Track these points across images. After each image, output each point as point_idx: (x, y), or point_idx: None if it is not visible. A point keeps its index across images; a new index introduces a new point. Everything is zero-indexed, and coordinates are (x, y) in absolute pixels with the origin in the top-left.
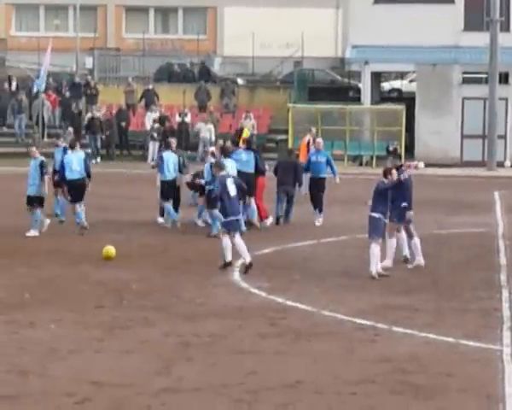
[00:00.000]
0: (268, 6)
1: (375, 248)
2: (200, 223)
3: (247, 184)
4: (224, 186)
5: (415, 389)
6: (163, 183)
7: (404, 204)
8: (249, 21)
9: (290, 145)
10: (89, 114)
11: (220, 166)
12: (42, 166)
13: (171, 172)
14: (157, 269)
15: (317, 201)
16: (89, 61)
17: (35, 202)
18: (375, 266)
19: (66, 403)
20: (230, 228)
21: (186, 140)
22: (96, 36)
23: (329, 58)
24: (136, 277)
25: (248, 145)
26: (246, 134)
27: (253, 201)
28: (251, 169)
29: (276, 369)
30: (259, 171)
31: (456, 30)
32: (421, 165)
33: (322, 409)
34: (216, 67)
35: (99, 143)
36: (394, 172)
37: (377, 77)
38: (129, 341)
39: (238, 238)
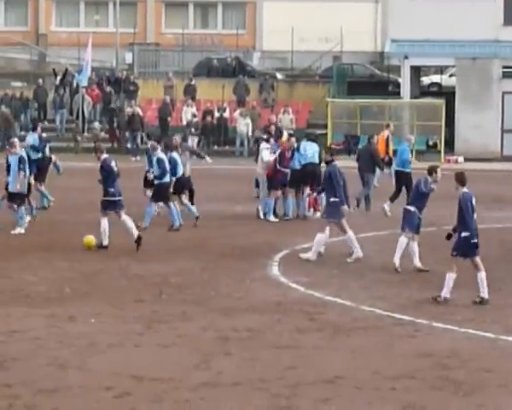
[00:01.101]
0: (307, 0)
1: (404, 241)
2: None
3: (315, 175)
4: None
5: (455, 384)
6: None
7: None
8: (288, 16)
9: (329, 140)
10: (128, 110)
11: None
12: (20, 161)
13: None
14: (195, 263)
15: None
16: (128, 57)
17: (17, 198)
18: (399, 259)
19: (105, 397)
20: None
21: (225, 135)
22: (135, 31)
23: (369, 52)
24: (175, 271)
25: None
26: (284, 139)
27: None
28: (317, 160)
29: (315, 364)
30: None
31: (496, 24)
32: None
33: (362, 405)
34: (255, 62)
35: (139, 140)
36: (439, 170)
37: (417, 71)
38: (168, 335)
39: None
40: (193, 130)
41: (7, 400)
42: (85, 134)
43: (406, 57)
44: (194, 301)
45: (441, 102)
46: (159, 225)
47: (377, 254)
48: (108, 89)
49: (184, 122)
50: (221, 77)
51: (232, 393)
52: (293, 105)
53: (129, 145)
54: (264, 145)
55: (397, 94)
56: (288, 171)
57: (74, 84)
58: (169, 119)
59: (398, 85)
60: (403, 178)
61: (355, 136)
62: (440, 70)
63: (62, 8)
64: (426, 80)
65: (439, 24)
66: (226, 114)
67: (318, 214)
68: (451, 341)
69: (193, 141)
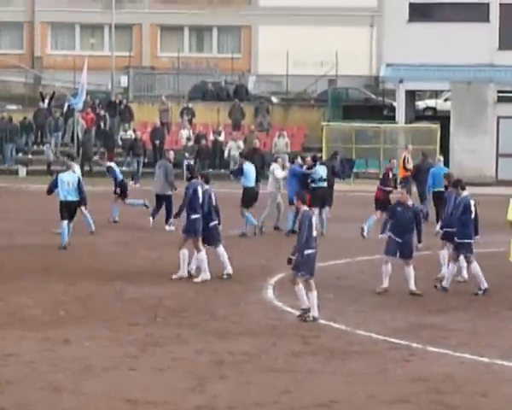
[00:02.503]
0: (302, 24)
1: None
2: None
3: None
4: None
5: (449, 409)
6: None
7: None
8: (283, 39)
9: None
10: (129, 134)
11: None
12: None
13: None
14: (190, 286)
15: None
16: (124, 80)
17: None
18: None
19: None
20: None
21: (220, 158)
22: (131, 55)
23: (364, 76)
24: (170, 294)
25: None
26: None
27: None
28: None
29: (310, 388)
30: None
31: (491, 48)
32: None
33: None
34: (250, 86)
35: (141, 166)
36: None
37: (412, 95)
38: (163, 358)
39: None
40: (187, 154)
41: None
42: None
43: (401, 81)
44: (189, 325)
45: (436, 126)
46: (153, 249)
47: (372, 277)
48: (103, 112)
49: (181, 145)
50: (216, 100)
51: None
52: (289, 129)
53: (127, 168)
54: (274, 165)
55: (392, 118)
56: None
57: (66, 108)
58: (157, 142)
59: (393, 109)
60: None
61: (350, 159)
62: (435, 94)
63: (58, 32)
64: (421, 104)
65: (434, 48)
66: (221, 138)
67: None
68: (446, 365)
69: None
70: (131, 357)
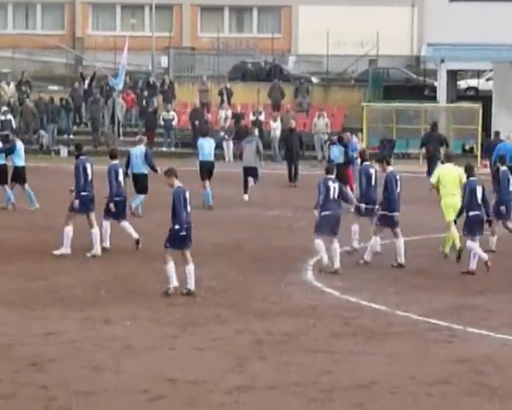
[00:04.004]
0: (342, 4)
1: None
2: None
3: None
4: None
5: (490, 390)
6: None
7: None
8: (324, 20)
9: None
10: (171, 115)
11: None
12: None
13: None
14: (230, 267)
15: None
16: (164, 61)
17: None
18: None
19: (140, 400)
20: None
21: (260, 138)
22: (171, 35)
23: (405, 56)
24: (210, 274)
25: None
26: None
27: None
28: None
29: (350, 369)
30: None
31: None
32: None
33: None
34: (290, 66)
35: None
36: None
37: (453, 75)
38: (202, 338)
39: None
40: (226, 136)
41: (43, 401)
42: (121, 138)
43: (443, 61)
44: (229, 305)
45: (478, 106)
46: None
47: (412, 259)
48: (144, 93)
49: (220, 125)
50: (256, 81)
51: (267, 397)
52: (328, 109)
53: (167, 149)
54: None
55: (433, 98)
56: None
57: (107, 88)
58: (197, 122)
59: (434, 89)
60: None
61: (390, 140)
62: (477, 74)
63: (99, 12)
64: (462, 84)
65: (476, 27)
66: (262, 118)
67: None
68: (487, 346)
69: (228, 146)
70: (171, 337)
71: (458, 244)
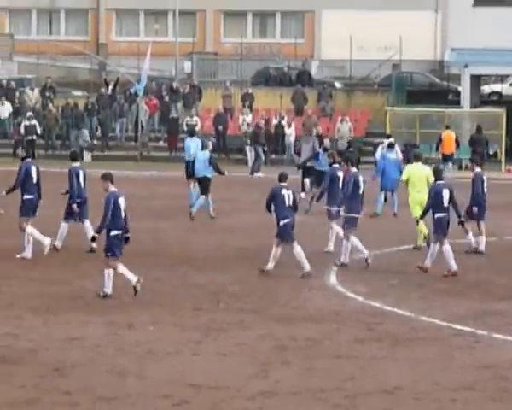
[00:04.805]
0: (366, 9)
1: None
2: None
3: None
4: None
5: None
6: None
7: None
8: (347, 24)
9: None
10: (194, 120)
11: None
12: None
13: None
14: (253, 272)
15: None
16: (187, 66)
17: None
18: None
19: (163, 405)
20: None
21: (283, 143)
22: (194, 40)
23: (428, 61)
24: (233, 279)
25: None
26: None
27: None
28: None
29: (374, 374)
30: None
31: None
32: None
33: None
34: (313, 71)
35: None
36: None
37: (477, 80)
38: (226, 343)
39: None
40: (249, 141)
41: (66, 407)
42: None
43: (466, 66)
44: (252, 310)
45: (502, 111)
46: (216, 234)
47: (436, 264)
48: (167, 98)
49: (243, 130)
50: (279, 86)
51: (291, 402)
52: (352, 114)
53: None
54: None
55: (457, 103)
56: None
57: (132, 91)
58: (220, 128)
59: (457, 94)
60: None
61: (414, 145)
62: (501, 79)
63: (122, 18)
64: (486, 89)
65: (499, 32)
66: (284, 123)
67: None
68: None
69: (251, 151)
70: (195, 342)
71: (426, 231)
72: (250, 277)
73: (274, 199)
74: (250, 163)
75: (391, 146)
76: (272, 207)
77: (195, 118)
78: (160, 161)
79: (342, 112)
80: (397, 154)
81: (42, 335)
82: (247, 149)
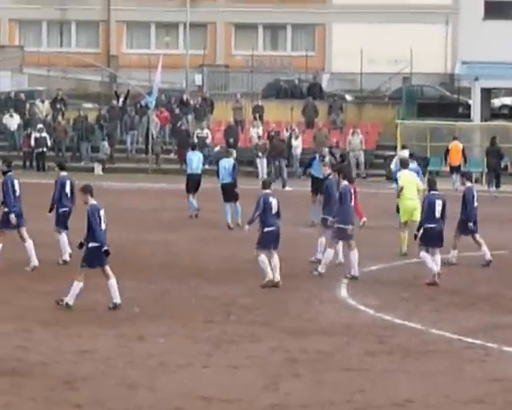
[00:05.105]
0: (376, 22)
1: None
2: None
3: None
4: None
5: None
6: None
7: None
8: (357, 37)
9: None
10: (205, 132)
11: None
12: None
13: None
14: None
15: None
16: (198, 78)
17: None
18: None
19: None
20: None
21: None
22: (205, 53)
23: (438, 74)
24: (244, 292)
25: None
26: None
27: None
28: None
29: (385, 387)
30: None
31: None
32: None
33: None
34: (324, 84)
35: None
36: None
37: (487, 93)
38: (237, 356)
39: None
40: (260, 153)
41: None
42: (149, 155)
43: (477, 79)
44: (263, 322)
45: None
46: (227, 246)
47: (447, 277)
48: (177, 111)
49: (254, 143)
50: (290, 98)
51: None
52: (362, 126)
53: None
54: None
55: (467, 116)
56: None
57: (143, 104)
58: (231, 140)
59: (468, 107)
60: None
61: (425, 158)
62: (511, 92)
63: (133, 30)
64: (497, 102)
65: (509, 45)
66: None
67: None
68: None
69: (262, 164)
70: (205, 354)
71: (405, 249)
72: (261, 289)
73: (265, 206)
74: (260, 175)
75: (411, 156)
76: (256, 214)
77: (206, 130)
78: (170, 174)
79: (353, 124)
80: (415, 164)
81: (52, 348)
82: (258, 161)
